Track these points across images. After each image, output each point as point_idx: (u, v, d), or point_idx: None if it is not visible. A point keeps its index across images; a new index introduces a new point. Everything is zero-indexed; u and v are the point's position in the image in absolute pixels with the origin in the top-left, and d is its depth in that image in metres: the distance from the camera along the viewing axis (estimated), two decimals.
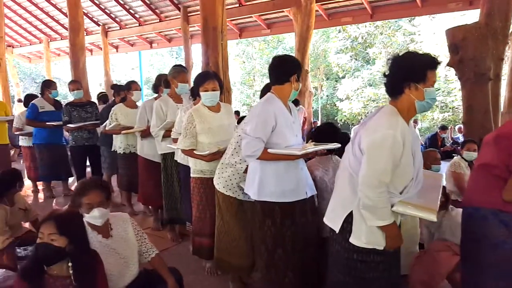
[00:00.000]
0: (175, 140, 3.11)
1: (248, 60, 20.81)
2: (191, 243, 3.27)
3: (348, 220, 1.78)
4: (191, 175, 2.90)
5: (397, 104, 1.74)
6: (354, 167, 1.76)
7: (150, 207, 4.25)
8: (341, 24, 11.89)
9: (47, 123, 4.72)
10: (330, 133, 2.58)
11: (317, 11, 8.38)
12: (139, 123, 3.80)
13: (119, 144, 4.25)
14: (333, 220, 1.86)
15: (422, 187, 1.78)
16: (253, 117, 2.17)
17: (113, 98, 4.92)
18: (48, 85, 4.93)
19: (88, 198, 1.95)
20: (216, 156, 2.68)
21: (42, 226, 1.67)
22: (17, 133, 5.28)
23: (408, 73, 1.68)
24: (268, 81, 2.36)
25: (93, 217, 1.95)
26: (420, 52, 1.74)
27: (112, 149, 4.35)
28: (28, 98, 5.38)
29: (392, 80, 1.74)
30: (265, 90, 2.54)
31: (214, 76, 2.81)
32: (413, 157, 1.72)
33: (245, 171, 2.44)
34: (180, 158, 3.20)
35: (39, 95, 5.09)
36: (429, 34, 14.67)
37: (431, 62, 1.67)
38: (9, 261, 2.69)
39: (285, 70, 2.19)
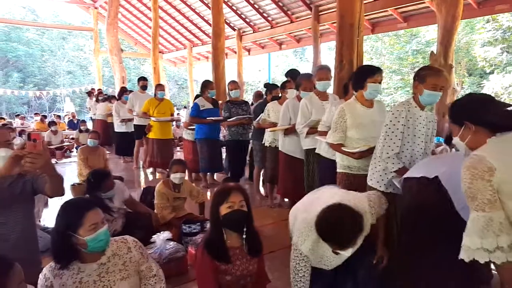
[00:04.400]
0: (321, 133, 3.17)
1: (376, 56, 19.89)
2: None
3: None
4: (337, 169, 2.92)
5: None
6: None
7: (286, 199, 4.43)
8: (494, 13, 10.44)
9: (208, 118, 5.19)
10: None
11: None
12: (282, 121, 3.99)
13: (267, 137, 4.53)
14: None
15: None
16: None
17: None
18: (207, 86, 5.48)
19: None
20: (365, 153, 2.64)
21: (231, 196, 1.88)
22: (189, 128, 5.86)
23: None
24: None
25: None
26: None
27: (262, 142, 4.64)
28: (196, 98, 5.94)
29: None
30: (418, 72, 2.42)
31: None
32: None
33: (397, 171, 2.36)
34: (323, 151, 3.24)
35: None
36: None
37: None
38: (176, 235, 3.13)
39: None
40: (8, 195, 1.94)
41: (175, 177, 3.46)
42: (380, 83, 2.74)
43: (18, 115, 15.12)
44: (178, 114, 13.64)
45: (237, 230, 1.91)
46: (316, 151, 3.40)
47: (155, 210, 3.57)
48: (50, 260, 1.69)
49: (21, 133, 8.38)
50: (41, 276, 1.64)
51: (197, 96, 6.14)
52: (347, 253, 1.77)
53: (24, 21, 23.60)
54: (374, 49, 19.93)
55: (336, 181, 2.94)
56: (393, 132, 2.37)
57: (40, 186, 1.98)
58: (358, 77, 2.81)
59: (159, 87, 6.22)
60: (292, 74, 4.84)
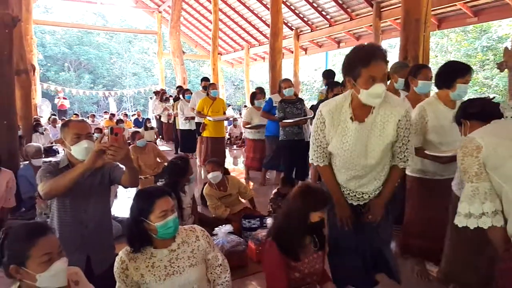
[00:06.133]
0: None
1: (441, 54, 18.80)
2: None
3: None
4: (409, 173, 2.69)
5: None
6: None
7: None
8: None
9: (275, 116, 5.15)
10: None
11: None
12: None
13: None
14: None
15: None
16: None
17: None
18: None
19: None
20: (454, 159, 2.38)
21: (326, 206, 1.92)
22: (247, 126, 5.93)
23: None
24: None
25: None
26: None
27: None
28: (253, 96, 6.09)
29: None
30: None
31: None
32: None
33: None
34: None
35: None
36: None
37: None
38: (237, 229, 3.21)
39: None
40: (88, 184, 2.10)
41: (209, 177, 3.62)
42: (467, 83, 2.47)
43: (88, 115, 16.29)
44: (239, 115, 13.84)
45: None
46: None
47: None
48: (121, 246, 1.81)
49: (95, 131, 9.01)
50: (117, 258, 1.76)
51: (253, 94, 6.21)
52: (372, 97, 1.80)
53: (95, 26, 25.46)
54: (439, 46, 18.86)
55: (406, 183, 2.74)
56: None
57: (117, 177, 2.13)
58: (446, 76, 2.51)
59: (212, 86, 6.27)
60: (328, 74, 5.37)
